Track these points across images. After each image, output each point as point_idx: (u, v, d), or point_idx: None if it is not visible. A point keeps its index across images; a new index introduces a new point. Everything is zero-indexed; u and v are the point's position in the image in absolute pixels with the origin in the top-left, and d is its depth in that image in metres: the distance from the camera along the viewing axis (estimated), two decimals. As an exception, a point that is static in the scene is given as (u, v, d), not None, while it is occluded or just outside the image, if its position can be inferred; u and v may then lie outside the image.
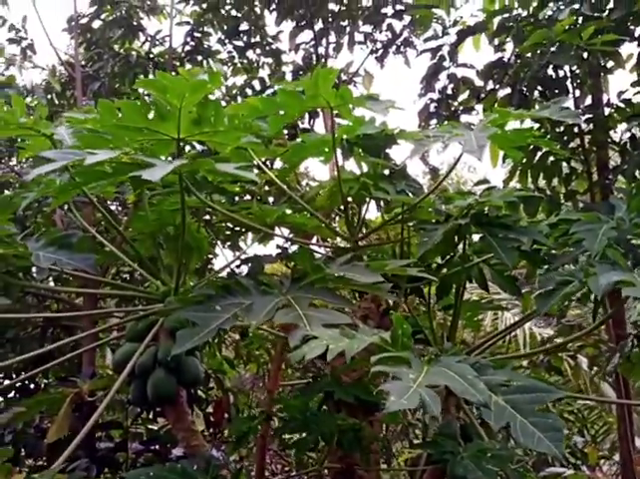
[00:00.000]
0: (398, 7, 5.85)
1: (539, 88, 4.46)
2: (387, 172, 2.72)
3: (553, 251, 2.69)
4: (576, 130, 4.68)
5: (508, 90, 4.40)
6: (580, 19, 3.94)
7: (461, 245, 2.60)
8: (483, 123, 1.99)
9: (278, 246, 3.76)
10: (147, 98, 2.61)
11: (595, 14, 3.87)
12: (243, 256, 2.85)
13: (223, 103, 6.15)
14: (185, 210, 2.24)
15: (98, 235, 2.87)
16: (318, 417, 2.31)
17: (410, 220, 2.70)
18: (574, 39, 3.70)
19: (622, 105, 4.66)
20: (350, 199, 2.64)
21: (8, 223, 2.36)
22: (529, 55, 4.21)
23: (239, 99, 6.37)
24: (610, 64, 4.34)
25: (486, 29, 4.39)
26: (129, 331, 2.67)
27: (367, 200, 2.65)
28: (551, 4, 3.89)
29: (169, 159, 1.75)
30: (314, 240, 3.16)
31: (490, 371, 1.54)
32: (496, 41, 4.49)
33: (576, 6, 3.78)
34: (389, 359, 1.43)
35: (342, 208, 2.61)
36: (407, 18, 5.84)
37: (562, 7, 3.96)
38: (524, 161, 4.79)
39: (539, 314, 1.97)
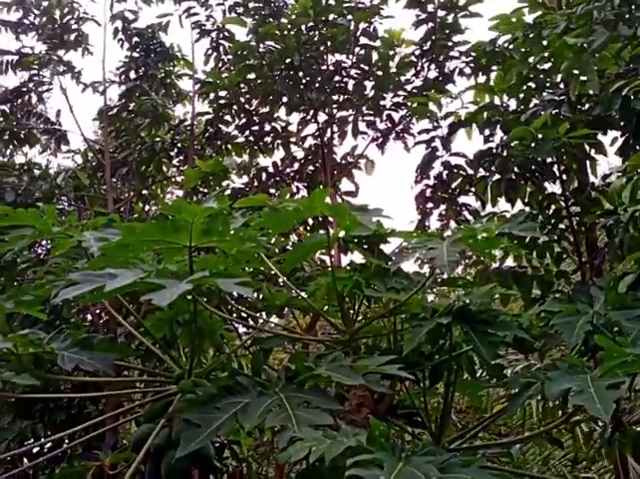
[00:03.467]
0: (395, 100, 6.17)
1: (528, 174, 4.65)
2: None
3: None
4: (565, 213, 4.83)
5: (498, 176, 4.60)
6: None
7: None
8: (454, 237, 2.17)
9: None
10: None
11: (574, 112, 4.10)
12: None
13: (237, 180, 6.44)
14: (197, 298, 2.43)
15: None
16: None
17: (401, 312, 2.86)
18: (552, 134, 3.92)
19: (607, 188, 4.82)
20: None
21: (39, 314, 2.56)
22: (517, 143, 4.41)
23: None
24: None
25: (476, 121, 4.63)
26: (145, 413, 2.81)
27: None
28: (535, 100, 4.13)
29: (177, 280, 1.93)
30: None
31: (457, 469, 1.65)
32: (487, 131, 4.72)
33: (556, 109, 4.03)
34: (364, 463, 1.57)
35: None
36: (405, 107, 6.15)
37: (546, 105, 4.21)
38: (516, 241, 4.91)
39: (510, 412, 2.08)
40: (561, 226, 4.90)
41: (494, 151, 4.57)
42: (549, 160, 4.65)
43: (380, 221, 2.81)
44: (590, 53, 3.89)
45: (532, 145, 3.98)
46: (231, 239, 2.39)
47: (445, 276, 3.21)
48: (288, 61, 5.67)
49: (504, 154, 4.31)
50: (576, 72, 4.11)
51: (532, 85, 4.78)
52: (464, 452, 2.75)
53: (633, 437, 3.32)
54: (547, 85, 4.74)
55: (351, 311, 2.90)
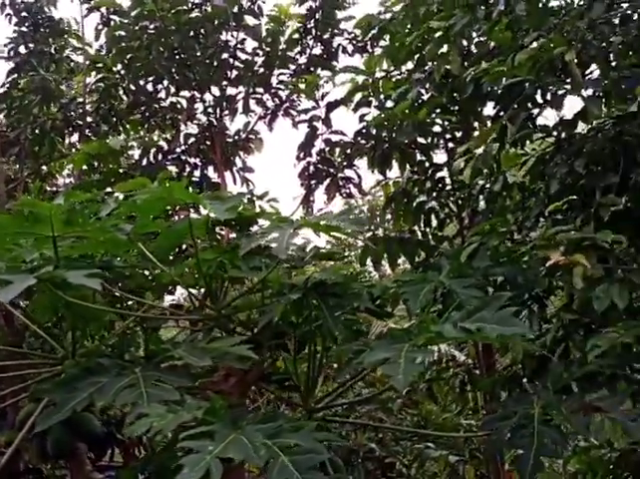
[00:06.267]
0: (281, 77, 6.25)
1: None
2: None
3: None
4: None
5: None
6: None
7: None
8: (297, 224, 2.33)
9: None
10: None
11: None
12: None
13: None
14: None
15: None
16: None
17: (268, 288, 3.01)
18: (413, 118, 4.14)
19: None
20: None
21: None
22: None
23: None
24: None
25: (350, 101, 4.79)
26: (31, 393, 2.87)
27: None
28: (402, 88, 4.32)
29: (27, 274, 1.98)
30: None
31: (285, 435, 1.83)
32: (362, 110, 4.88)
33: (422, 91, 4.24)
34: (197, 435, 1.71)
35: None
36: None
37: (413, 84, 4.41)
38: (402, 209, 5.11)
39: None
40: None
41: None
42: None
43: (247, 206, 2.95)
44: (452, 35, 4.08)
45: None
46: (93, 228, 2.46)
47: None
48: (169, 42, 5.62)
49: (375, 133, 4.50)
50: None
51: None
52: (328, 411, 2.97)
53: (481, 384, 3.67)
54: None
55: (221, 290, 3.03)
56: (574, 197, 3.10)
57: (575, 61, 3.54)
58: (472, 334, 2.09)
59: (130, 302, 3.40)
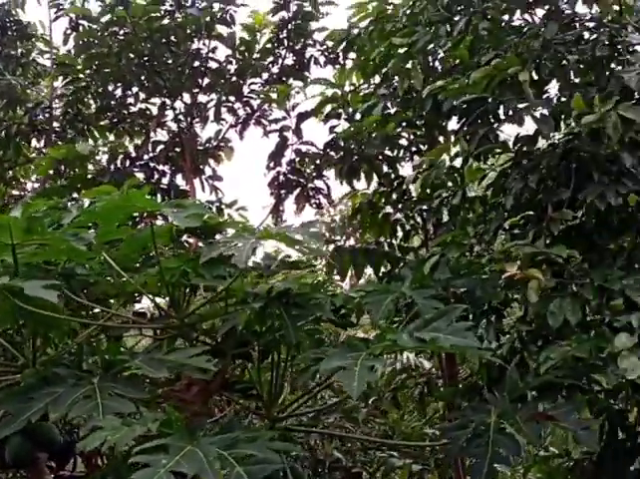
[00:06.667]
0: (252, 87, 6.27)
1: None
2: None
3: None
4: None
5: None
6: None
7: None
8: (260, 234, 2.34)
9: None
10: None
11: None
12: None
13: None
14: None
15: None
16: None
17: (232, 297, 3.02)
18: (381, 131, 4.20)
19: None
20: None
21: None
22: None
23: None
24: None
25: (320, 113, 4.84)
26: (-11, 401, 2.82)
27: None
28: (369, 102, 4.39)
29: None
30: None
31: (241, 445, 1.84)
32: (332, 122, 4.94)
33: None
34: (150, 449, 1.71)
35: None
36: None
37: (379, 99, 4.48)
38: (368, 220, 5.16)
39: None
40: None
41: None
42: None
43: (214, 213, 2.97)
44: (415, 52, 4.16)
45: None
46: (51, 237, 2.45)
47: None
48: (139, 48, 5.59)
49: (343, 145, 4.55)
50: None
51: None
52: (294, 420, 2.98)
53: (440, 394, 3.73)
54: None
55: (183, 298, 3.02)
56: (530, 212, 3.18)
57: (536, 78, 3.64)
58: (426, 344, 2.13)
59: (95, 310, 3.39)
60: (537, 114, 3.32)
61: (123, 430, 1.80)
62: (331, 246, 5.12)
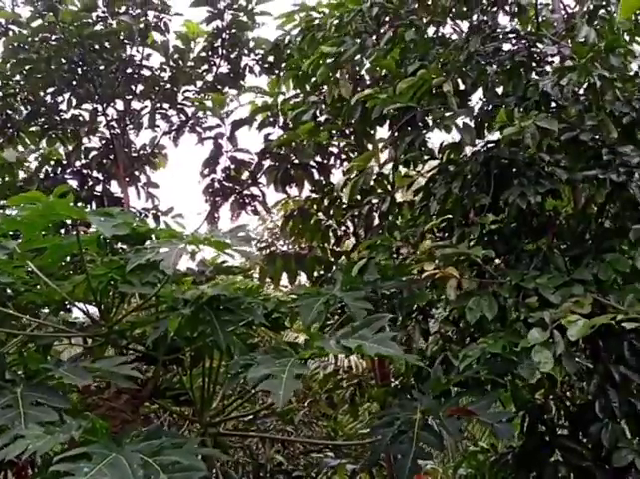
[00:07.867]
0: (187, 94, 6.23)
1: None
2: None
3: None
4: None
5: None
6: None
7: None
8: (187, 240, 2.33)
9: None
10: None
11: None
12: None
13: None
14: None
15: None
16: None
17: (162, 304, 2.99)
18: (314, 138, 4.25)
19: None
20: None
21: None
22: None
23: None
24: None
25: (254, 121, 4.85)
26: None
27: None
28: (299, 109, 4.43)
29: None
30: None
31: (167, 452, 1.84)
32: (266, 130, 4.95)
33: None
34: (72, 457, 1.68)
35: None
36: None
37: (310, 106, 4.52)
38: (300, 226, 5.20)
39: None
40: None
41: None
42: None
43: (144, 221, 2.93)
44: (342, 61, 4.23)
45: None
46: (-27, 245, 2.37)
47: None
48: (70, 54, 5.47)
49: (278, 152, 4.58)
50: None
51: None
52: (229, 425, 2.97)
53: (376, 395, 3.81)
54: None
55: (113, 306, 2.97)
56: (450, 215, 3.29)
57: (462, 87, 3.77)
58: (351, 351, 2.19)
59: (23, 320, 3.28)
60: (460, 122, 3.44)
61: (44, 438, 1.76)
62: (265, 253, 5.15)
